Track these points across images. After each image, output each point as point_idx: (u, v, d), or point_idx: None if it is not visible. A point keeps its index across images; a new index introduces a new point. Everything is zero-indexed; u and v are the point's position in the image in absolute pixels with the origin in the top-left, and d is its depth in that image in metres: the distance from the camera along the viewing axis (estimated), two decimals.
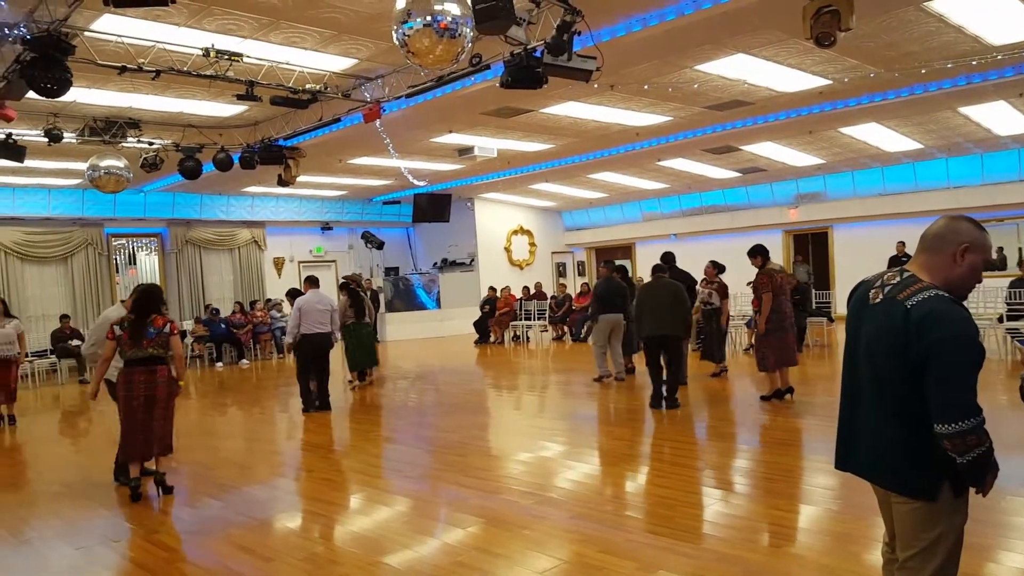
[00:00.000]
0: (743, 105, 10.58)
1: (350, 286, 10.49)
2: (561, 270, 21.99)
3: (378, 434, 7.62)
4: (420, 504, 5.05)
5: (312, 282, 9.01)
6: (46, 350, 13.81)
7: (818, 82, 9.48)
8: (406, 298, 19.15)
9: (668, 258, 9.20)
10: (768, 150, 14.04)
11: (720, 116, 11.21)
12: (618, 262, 20.96)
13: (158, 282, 16.69)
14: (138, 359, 5.37)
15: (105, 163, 9.49)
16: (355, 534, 4.48)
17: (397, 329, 18.27)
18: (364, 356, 10.54)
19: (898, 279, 2.31)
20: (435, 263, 20.42)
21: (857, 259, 15.46)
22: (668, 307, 7.65)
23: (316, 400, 8.79)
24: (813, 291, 13.82)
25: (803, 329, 12.14)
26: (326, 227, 19.27)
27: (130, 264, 16.74)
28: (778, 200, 17.60)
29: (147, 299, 5.49)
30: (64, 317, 13.99)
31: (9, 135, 9.01)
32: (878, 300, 2.33)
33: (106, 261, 15.79)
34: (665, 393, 7.71)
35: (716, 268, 9.83)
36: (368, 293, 17.51)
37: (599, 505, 4.78)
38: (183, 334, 15.42)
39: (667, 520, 4.37)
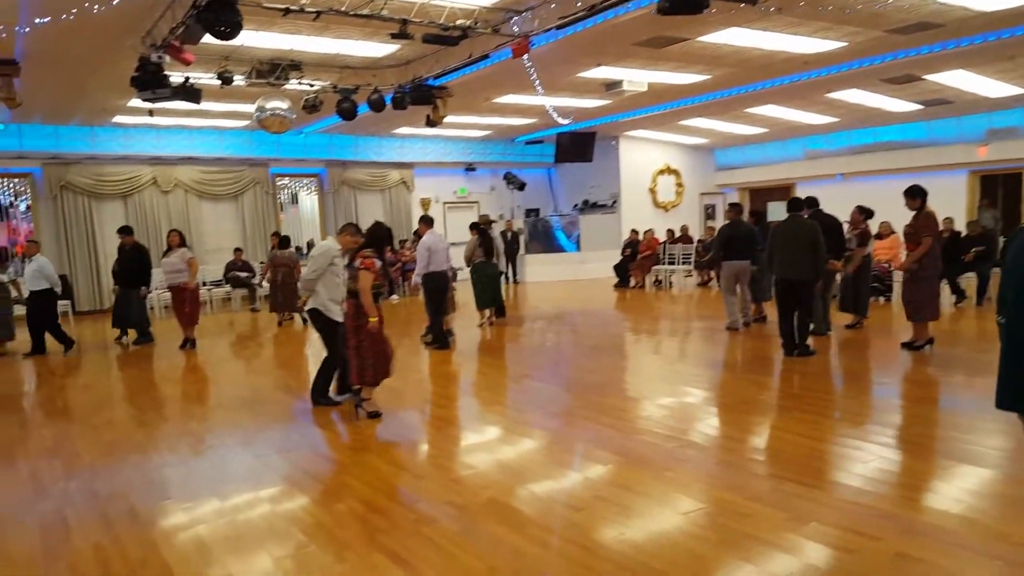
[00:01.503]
0: (932, 27, 9.54)
1: (480, 226, 10.85)
2: (710, 212, 21.23)
3: (517, 371, 7.86)
4: (559, 439, 5.21)
5: (428, 221, 9.37)
6: (221, 280, 15.27)
7: None
8: (545, 240, 19.31)
9: (811, 202, 8.72)
10: (957, 79, 12.64)
11: (903, 41, 10.19)
12: (774, 204, 19.99)
13: (317, 221, 17.93)
14: (347, 289, 5.86)
15: (271, 104, 10.20)
16: (498, 461, 4.72)
17: (536, 271, 18.54)
18: (489, 295, 10.92)
19: None
20: (576, 205, 20.35)
21: None
22: (802, 249, 7.39)
23: (433, 336, 9.17)
24: (1001, 239, 12.50)
25: (987, 280, 11.20)
26: (470, 168, 19.67)
27: (293, 203, 18.02)
28: (965, 136, 15.88)
29: (366, 235, 5.90)
30: (237, 250, 15.39)
31: (187, 79, 9.84)
32: None
33: (271, 199, 17.08)
34: (797, 339, 7.60)
35: (863, 213, 9.33)
36: (509, 234, 18.06)
37: (744, 453, 4.72)
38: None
39: (818, 473, 4.25)
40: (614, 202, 19.60)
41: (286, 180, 17.71)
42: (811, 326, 7.86)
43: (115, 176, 15.20)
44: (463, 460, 4.84)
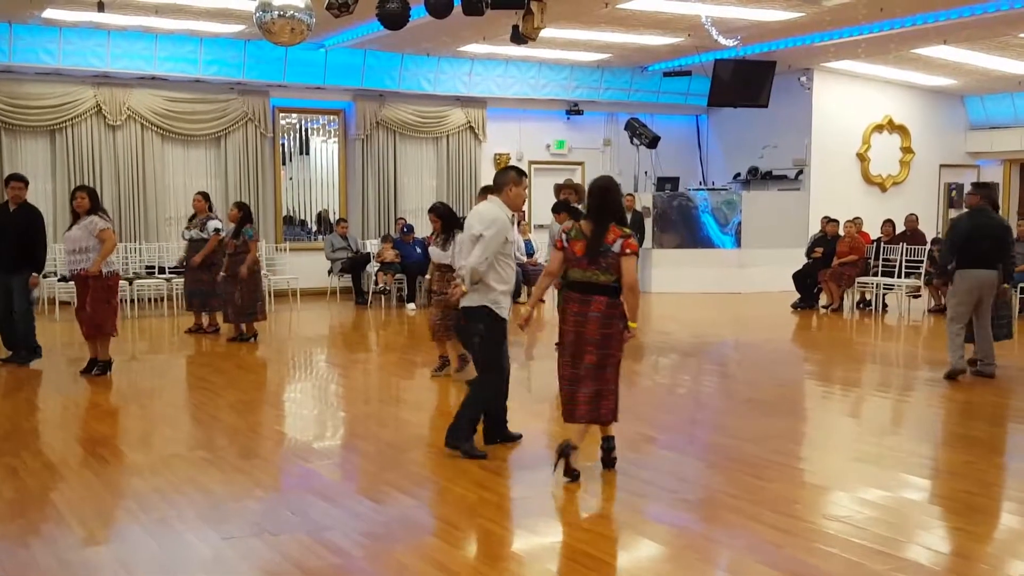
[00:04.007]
0: None
1: (570, 203, 10.87)
2: (954, 197, 20.69)
3: (633, 429, 7.76)
4: (700, 543, 5.16)
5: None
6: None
7: None
8: (684, 227, 19.04)
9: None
10: None
11: None
12: None
13: (337, 178, 18.29)
14: (577, 282, 5.96)
15: (280, 1, 10.42)
16: (603, 570, 4.70)
17: (666, 275, 18.29)
18: None
19: None
20: (737, 174, 20.23)
21: None
22: None
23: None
24: None
25: None
26: (573, 110, 19.69)
27: (302, 152, 18.44)
28: None
29: (606, 201, 6.00)
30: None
31: None
32: None
33: (271, 145, 17.59)
34: None
35: None
36: (630, 215, 17.92)
37: None
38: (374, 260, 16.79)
39: None
40: (800, 173, 19.34)
41: (293, 118, 18.19)
42: None
43: (41, 100, 15.83)
44: (547, 566, 4.84)
